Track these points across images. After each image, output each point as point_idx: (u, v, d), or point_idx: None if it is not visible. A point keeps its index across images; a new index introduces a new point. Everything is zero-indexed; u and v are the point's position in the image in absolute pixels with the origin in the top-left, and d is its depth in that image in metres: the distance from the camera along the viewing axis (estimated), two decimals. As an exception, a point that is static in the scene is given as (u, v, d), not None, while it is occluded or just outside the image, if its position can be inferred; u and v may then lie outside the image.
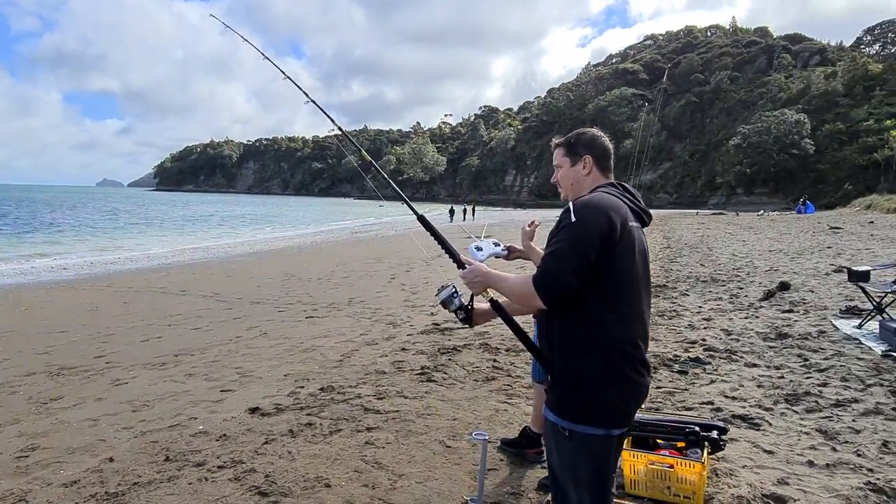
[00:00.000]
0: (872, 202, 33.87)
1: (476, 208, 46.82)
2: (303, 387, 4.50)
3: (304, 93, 2.69)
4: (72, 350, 6.04)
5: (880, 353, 4.97)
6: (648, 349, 1.80)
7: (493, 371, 4.78)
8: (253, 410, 3.97)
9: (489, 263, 2.04)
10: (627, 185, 1.83)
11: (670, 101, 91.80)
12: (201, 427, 3.73)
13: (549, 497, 2.61)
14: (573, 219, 1.64)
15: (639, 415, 3.15)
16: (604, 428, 1.65)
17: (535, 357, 1.86)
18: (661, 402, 3.99)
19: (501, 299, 1.94)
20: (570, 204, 1.69)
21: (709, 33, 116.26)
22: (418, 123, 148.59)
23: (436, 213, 54.96)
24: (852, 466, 2.97)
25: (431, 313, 7.45)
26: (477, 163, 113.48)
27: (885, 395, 4.00)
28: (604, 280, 1.64)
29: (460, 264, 1.96)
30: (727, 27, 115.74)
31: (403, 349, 5.55)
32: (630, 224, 1.69)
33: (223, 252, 19.31)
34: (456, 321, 2.00)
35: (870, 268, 6.40)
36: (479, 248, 2.47)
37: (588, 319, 1.65)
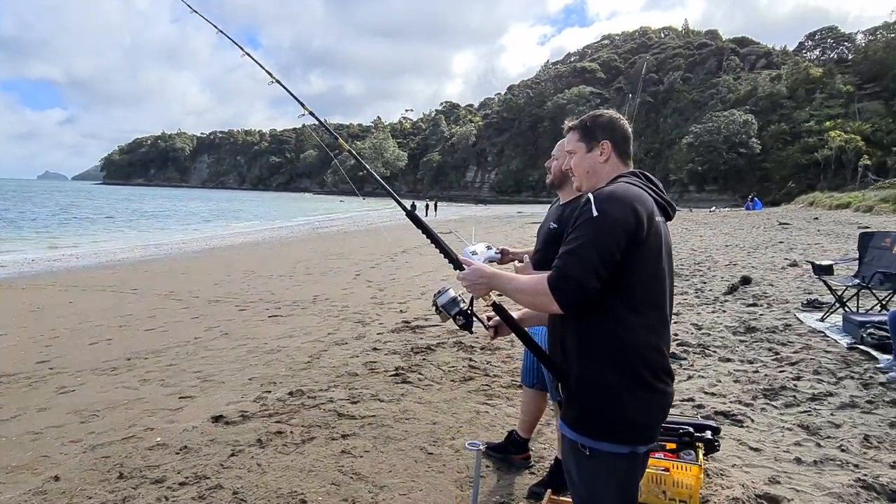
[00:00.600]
0: (815, 199, 35.54)
1: (438, 204, 46.63)
2: (270, 391, 4.23)
3: (269, 72, 2.44)
4: (10, 355, 5.54)
5: (846, 345, 5.07)
6: None
7: (469, 371, 4.63)
8: (216, 419, 3.69)
9: None
10: (650, 175, 1.66)
11: (626, 100, 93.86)
12: (159, 439, 3.42)
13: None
14: (595, 212, 1.46)
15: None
16: (628, 445, 1.49)
17: (546, 367, 1.68)
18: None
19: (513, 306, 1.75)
20: (591, 195, 1.50)
21: (662, 34, 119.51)
22: (379, 118, 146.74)
23: (398, 209, 54.48)
24: (839, 462, 2.96)
25: (401, 310, 7.25)
26: (438, 158, 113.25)
27: (858, 388, 4.05)
28: (628, 281, 1.47)
29: (458, 265, 1.76)
30: (680, 29, 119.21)
31: (375, 349, 5.33)
32: (656, 219, 1.52)
33: (177, 248, 18.50)
34: (455, 326, 1.80)
35: (832, 262, 6.57)
36: (474, 253, 2.31)
37: (610, 324, 1.48)
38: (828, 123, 59.13)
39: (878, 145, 52.97)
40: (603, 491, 1.51)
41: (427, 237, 1.91)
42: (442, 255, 1.85)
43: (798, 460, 3.00)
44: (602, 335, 1.49)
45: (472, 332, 1.87)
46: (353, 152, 2.18)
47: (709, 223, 25.84)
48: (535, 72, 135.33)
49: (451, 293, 1.79)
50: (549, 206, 2.88)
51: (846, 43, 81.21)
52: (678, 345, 5.29)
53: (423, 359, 4.94)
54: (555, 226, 2.53)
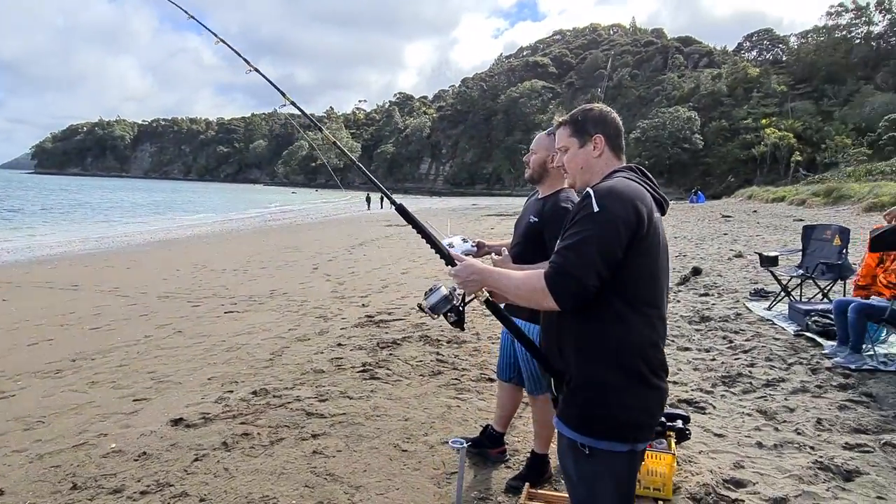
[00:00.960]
0: (753, 193, 37.40)
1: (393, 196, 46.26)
2: (231, 391, 4.07)
3: (246, 60, 2.31)
4: (-62, 359, 5.12)
5: (792, 332, 5.34)
6: None
7: (438, 365, 4.59)
8: (176, 422, 3.52)
9: None
10: (644, 170, 1.65)
11: (577, 94, 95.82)
12: (114, 445, 3.23)
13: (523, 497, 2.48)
14: (595, 207, 1.43)
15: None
16: (628, 443, 1.49)
17: (542, 366, 1.66)
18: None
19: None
20: (591, 190, 1.48)
21: (611, 31, 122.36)
22: (331, 108, 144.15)
23: (353, 201, 53.80)
24: (797, 445, 3.10)
25: (363, 304, 7.14)
26: (392, 150, 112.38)
27: (807, 374, 4.27)
28: (629, 278, 1.46)
29: (450, 261, 1.71)
30: (628, 27, 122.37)
31: (339, 345, 5.22)
32: (654, 215, 1.51)
33: (120, 241, 17.61)
34: (447, 323, 1.76)
35: (777, 253, 6.90)
36: (450, 245, 2.27)
37: (610, 322, 1.47)
38: (764, 121, 62.30)
39: (808, 142, 56.20)
40: (602, 490, 1.51)
41: (417, 231, 1.85)
42: (438, 253, 1.79)
43: (759, 444, 3.13)
44: (602, 334, 1.48)
45: (463, 330, 1.83)
46: (339, 145, 2.09)
47: (657, 216, 26.71)
48: (488, 65, 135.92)
49: (443, 291, 1.73)
50: (527, 199, 2.85)
51: (780, 45, 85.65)
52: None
53: (390, 354, 4.87)
54: (535, 219, 2.51)
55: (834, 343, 4.82)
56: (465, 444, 2.14)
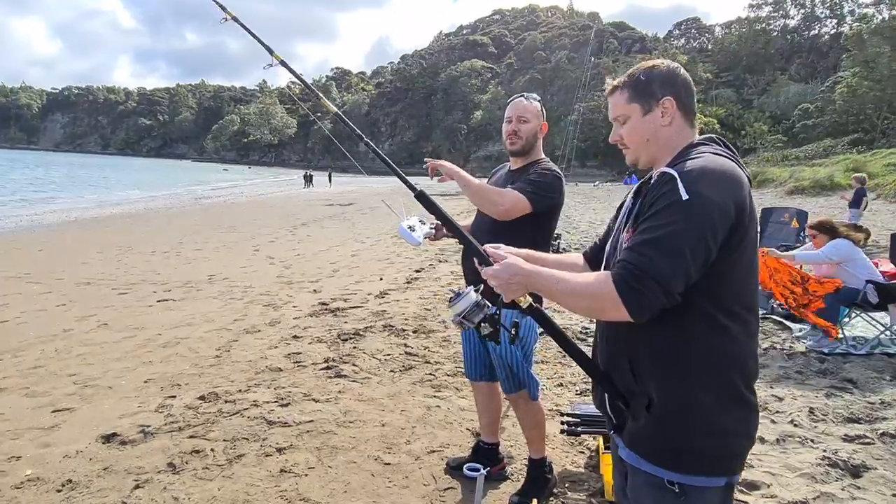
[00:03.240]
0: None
1: (332, 174, 44.94)
2: (174, 396, 3.52)
3: (222, 6, 1.80)
4: None
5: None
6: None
7: (407, 358, 4.22)
8: (108, 437, 2.96)
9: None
10: (727, 142, 1.32)
11: (516, 75, 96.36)
12: (30, 472, 2.66)
13: None
14: (684, 194, 1.12)
15: (590, 407, 2.84)
16: (726, 475, 1.21)
17: (603, 388, 1.33)
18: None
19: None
20: (674, 172, 1.17)
21: (549, 13, 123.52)
22: (264, 81, 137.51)
23: (288, 178, 51.81)
24: (799, 439, 2.98)
25: (314, 290, 6.62)
26: (329, 127, 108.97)
27: (784, 359, 4.24)
28: (727, 279, 1.17)
29: (485, 260, 1.37)
30: (565, 9, 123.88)
31: (295, 337, 4.73)
32: (753, 201, 1.21)
33: (29, 220, 15.88)
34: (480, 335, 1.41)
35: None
36: (411, 228, 1.93)
37: (704, 333, 1.18)
38: (692, 107, 65.17)
39: (730, 129, 59.20)
40: None
41: (440, 221, 1.49)
42: (463, 243, 1.43)
43: (761, 439, 2.99)
44: (696, 347, 1.19)
45: (499, 343, 1.47)
46: (341, 114, 1.66)
47: (597, 197, 27.36)
48: (428, 42, 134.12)
49: (473, 296, 1.40)
50: (491, 174, 2.56)
51: (707, 34, 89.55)
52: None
53: (354, 347, 4.44)
54: None
55: (802, 326, 4.85)
56: (482, 471, 1.80)
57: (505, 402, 2.83)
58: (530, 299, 1.36)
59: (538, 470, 2.48)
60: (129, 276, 7.61)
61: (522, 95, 2.37)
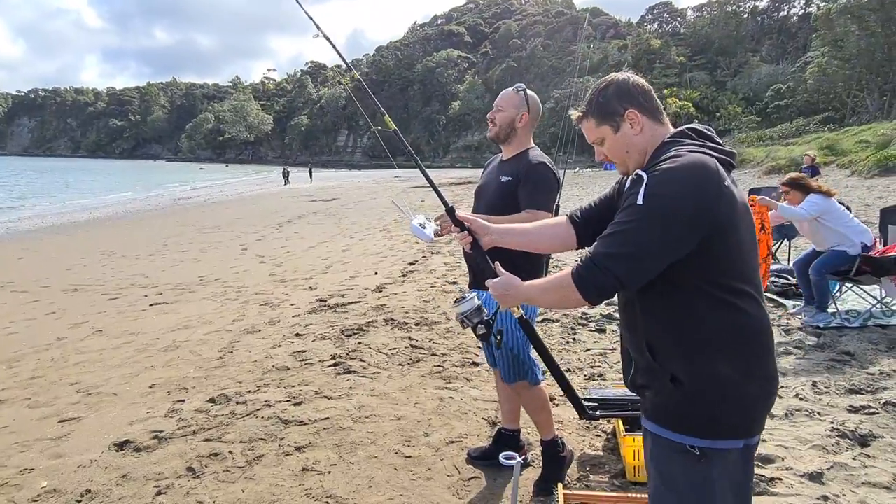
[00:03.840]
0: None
1: (313, 170, 44.52)
2: (183, 400, 3.48)
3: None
4: None
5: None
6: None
7: (414, 351, 4.22)
8: (121, 445, 2.92)
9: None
10: (700, 128, 1.40)
11: (492, 64, 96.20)
12: (45, 483, 2.61)
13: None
14: (639, 199, 1.23)
15: (615, 391, 2.89)
16: (746, 438, 1.29)
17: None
18: (602, 367, 3.83)
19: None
20: (644, 173, 1.27)
21: (523, 1, 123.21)
22: (237, 77, 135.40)
23: (267, 175, 51.14)
24: (806, 412, 3.06)
25: (310, 287, 6.57)
26: (307, 122, 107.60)
27: (782, 335, 4.33)
28: (716, 264, 1.26)
29: (491, 272, 1.58)
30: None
31: (297, 335, 4.70)
32: (725, 184, 1.27)
33: (5, 228, 15.46)
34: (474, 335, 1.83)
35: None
36: (422, 226, 2.01)
37: (708, 310, 1.27)
38: (666, 91, 65.68)
39: (704, 111, 59.99)
40: (718, 493, 1.28)
41: (470, 234, 1.71)
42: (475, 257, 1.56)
43: (771, 415, 3.05)
44: (707, 326, 1.27)
45: (489, 343, 1.80)
46: (399, 132, 1.63)
47: (580, 182, 27.56)
48: (403, 34, 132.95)
49: (475, 301, 1.74)
50: (486, 165, 2.68)
51: (679, 18, 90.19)
52: (607, 304, 5.33)
53: (359, 342, 4.43)
54: (509, 178, 2.36)
55: (796, 302, 4.96)
56: (518, 459, 1.81)
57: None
58: (521, 311, 1.73)
59: (552, 450, 2.50)
60: (118, 281, 7.47)
61: (516, 86, 2.47)
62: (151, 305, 6.09)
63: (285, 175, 38.29)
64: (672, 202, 1.22)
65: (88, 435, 3.10)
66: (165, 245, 10.91)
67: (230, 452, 2.78)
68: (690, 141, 1.35)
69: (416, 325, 4.89)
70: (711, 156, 1.31)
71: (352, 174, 55.76)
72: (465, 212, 1.85)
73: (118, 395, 3.65)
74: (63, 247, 11.32)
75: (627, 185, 1.36)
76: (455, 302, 1.76)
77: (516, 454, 1.82)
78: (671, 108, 60.45)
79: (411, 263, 7.81)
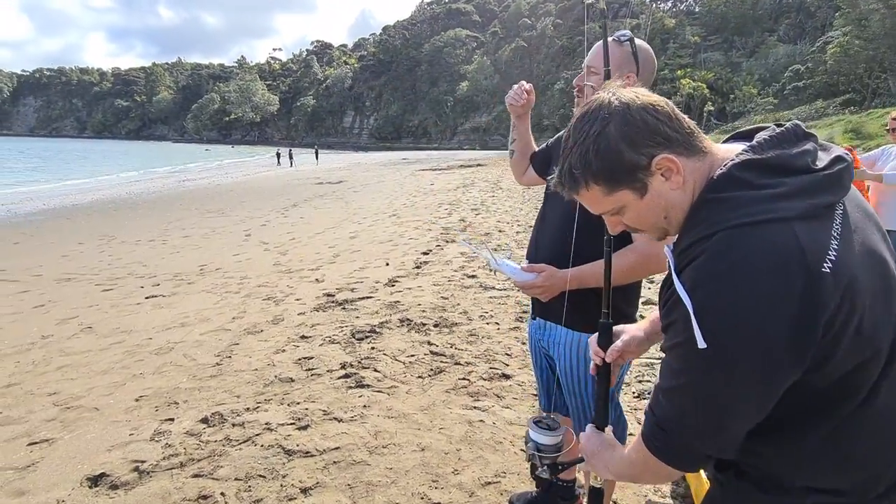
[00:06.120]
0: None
1: (319, 151, 43.96)
2: (172, 419, 3.02)
3: None
4: None
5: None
6: None
7: (434, 359, 3.74)
8: (94, 480, 2.47)
9: None
10: (762, 139, 0.87)
11: (501, 44, 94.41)
12: (0, 532, 2.17)
13: None
14: (700, 342, 0.78)
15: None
16: None
17: None
18: (650, 381, 3.34)
19: None
20: (683, 292, 0.81)
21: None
22: (243, 57, 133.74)
23: (268, 156, 50.71)
24: None
25: (317, 279, 6.09)
26: (313, 103, 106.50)
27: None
28: (836, 382, 0.83)
29: (604, 424, 1.16)
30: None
31: (303, 337, 4.22)
32: (825, 266, 0.76)
33: (5, 210, 15.08)
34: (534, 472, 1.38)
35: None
36: (504, 259, 1.72)
37: (839, 438, 0.86)
38: (679, 72, 64.13)
39: (719, 93, 58.60)
40: None
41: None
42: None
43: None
44: (817, 454, 0.88)
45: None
46: None
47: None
48: (410, 12, 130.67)
49: (560, 434, 1.37)
50: (551, 145, 2.04)
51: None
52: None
53: (372, 347, 3.95)
54: None
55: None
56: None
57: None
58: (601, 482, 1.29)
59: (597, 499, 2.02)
60: (114, 270, 7.03)
61: (618, 34, 1.72)
62: (147, 298, 5.65)
63: (289, 156, 37.76)
64: (756, 335, 0.76)
65: (60, 463, 2.65)
66: (167, 230, 10.47)
67: (222, 494, 2.31)
68: (750, 190, 0.81)
69: (435, 326, 4.40)
70: (790, 218, 0.78)
71: (358, 156, 55.08)
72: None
73: (99, 409, 3.20)
74: (62, 231, 10.91)
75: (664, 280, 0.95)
76: (534, 426, 1.38)
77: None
78: (684, 89, 59.16)
79: (424, 253, 7.31)
